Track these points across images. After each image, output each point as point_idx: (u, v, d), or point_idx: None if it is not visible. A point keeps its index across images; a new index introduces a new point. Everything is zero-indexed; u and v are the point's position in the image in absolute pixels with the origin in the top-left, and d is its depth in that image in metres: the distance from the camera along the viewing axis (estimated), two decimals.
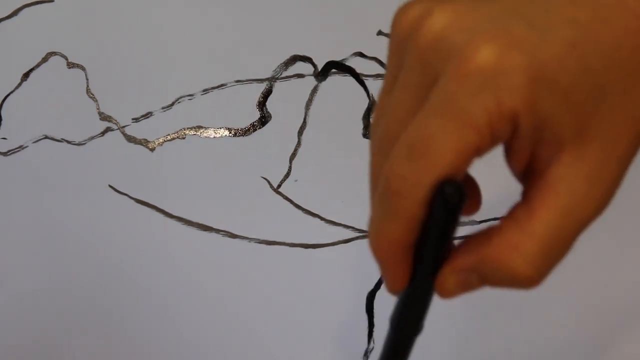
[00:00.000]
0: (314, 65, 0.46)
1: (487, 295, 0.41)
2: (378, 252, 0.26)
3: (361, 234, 0.42)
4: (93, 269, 0.42)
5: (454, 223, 0.24)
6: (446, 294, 0.26)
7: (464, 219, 0.44)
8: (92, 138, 0.45)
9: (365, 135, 0.44)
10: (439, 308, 0.41)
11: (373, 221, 0.25)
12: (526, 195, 0.25)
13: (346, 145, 0.45)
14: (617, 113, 0.24)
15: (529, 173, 0.25)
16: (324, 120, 0.45)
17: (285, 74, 0.47)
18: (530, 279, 0.24)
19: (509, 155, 0.25)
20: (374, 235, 0.25)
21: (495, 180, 0.44)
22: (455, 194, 0.23)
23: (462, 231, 0.43)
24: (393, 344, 0.30)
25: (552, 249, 0.24)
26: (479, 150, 0.23)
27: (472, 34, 0.22)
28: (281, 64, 0.47)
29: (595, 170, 0.25)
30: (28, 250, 0.42)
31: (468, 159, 0.23)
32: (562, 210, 0.24)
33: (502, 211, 0.45)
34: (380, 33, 0.49)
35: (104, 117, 0.46)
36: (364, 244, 0.42)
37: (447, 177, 0.23)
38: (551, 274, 0.25)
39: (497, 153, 0.43)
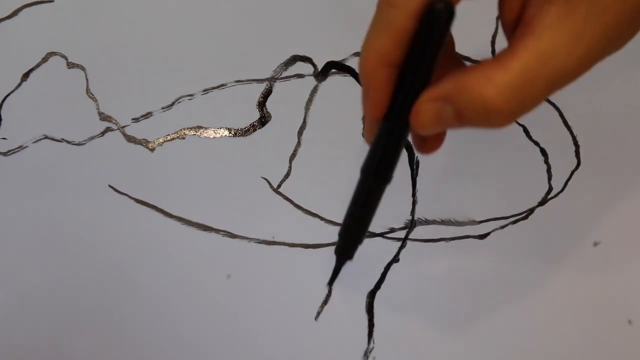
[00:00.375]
0: (314, 65, 0.46)
1: (488, 294, 0.41)
2: (365, 66, 0.27)
3: None
4: (93, 268, 0.42)
5: (438, 42, 0.25)
6: (421, 125, 0.27)
7: (463, 219, 0.44)
8: (92, 138, 0.45)
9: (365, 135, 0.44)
10: (440, 306, 0.41)
11: (367, 35, 0.26)
12: (511, 42, 0.26)
13: (346, 145, 0.45)
14: None
15: (518, 25, 0.26)
16: (324, 120, 0.45)
17: (285, 74, 0.47)
18: (500, 111, 0.25)
19: (501, 2, 0.26)
20: (365, 48, 0.26)
21: (495, 180, 0.44)
22: (444, 10, 0.24)
23: (461, 231, 0.44)
24: (362, 191, 0.30)
25: (525, 87, 0.25)
26: None
27: None
28: (281, 64, 0.47)
29: (580, 27, 0.25)
30: (28, 250, 0.42)
31: None
32: (540, 54, 0.25)
33: (502, 211, 0.45)
34: None
35: (104, 117, 0.46)
36: (364, 244, 0.42)
37: None
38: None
39: (499, 154, 0.43)
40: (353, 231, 0.31)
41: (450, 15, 0.24)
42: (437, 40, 0.25)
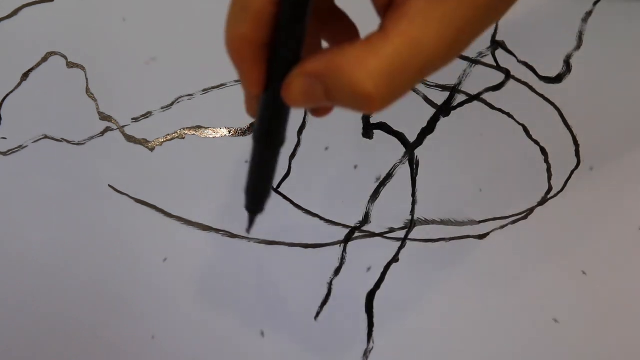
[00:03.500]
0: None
1: (488, 296, 0.41)
2: (230, 49, 0.27)
3: (361, 234, 0.42)
4: (93, 268, 0.42)
5: (301, 21, 0.25)
6: (291, 100, 0.27)
7: (463, 219, 0.44)
8: (92, 138, 0.45)
9: (365, 135, 0.44)
10: (440, 306, 0.41)
11: (227, 21, 0.26)
12: (383, 24, 0.26)
13: (346, 145, 0.45)
14: None
15: (390, 7, 0.26)
16: (324, 120, 0.45)
17: None
18: (369, 97, 0.25)
19: None
20: (227, 32, 0.26)
21: (495, 180, 0.44)
22: None
23: (461, 231, 0.44)
24: (259, 158, 0.31)
25: (396, 74, 0.25)
26: None
27: None
28: None
29: (452, 12, 0.25)
30: (28, 250, 0.42)
31: None
32: (412, 40, 0.25)
33: (502, 211, 0.45)
34: None
35: (103, 117, 0.46)
36: (364, 244, 0.42)
37: None
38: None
39: (499, 154, 0.43)
40: (257, 190, 0.33)
41: None
42: (299, 18, 0.25)
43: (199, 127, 0.45)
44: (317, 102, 0.27)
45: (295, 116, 0.45)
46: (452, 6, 0.25)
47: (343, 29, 0.30)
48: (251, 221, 0.34)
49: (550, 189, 0.43)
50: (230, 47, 0.27)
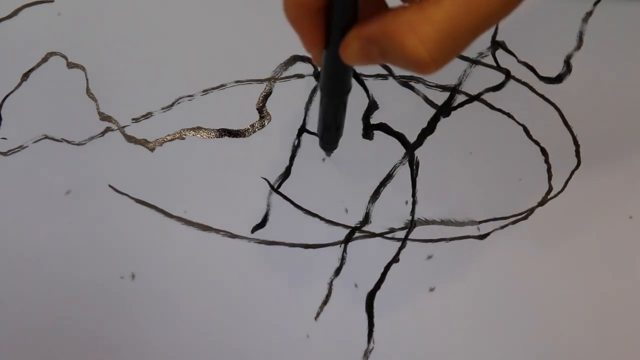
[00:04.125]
0: (314, 66, 0.46)
1: (488, 297, 0.41)
2: (289, 14, 0.28)
3: (361, 234, 0.42)
4: (93, 269, 0.42)
5: None
6: (347, 59, 0.28)
7: (463, 219, 0.44)
8: (92, 138, 0.45)
9: (365, 136, 0.45)
10: (440, 306, 0.41)
11: None
12: None
13: (346, 145, 0.45)
14: None
15: None
16: None
17: (285, 74, 0.47)
18: (422, 62, 0.25)
19: None
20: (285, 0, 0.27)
21: (495, 180, 0.44)
22: None
23: (461, 231, 0.44)
24: (326, 106, 0.34)
25: (449, 39, 0.25)
26: None
27: None
28: (281, 64, 0.47)
29: None
30: (28, 250, 0.42)
31: None
32: (465, 5, 0.25)
33: (502, 211, 0.45)
34: None
35: (104, 117, 0.46)
36: (364, 244, 0.42)
37: None
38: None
39: (499, 154, 0.43)
40: (330, 133, 0.37)
41: None
42: None
43: (199, 128, 0.45)
44: (374, 61, 0.27)
45: (296, 116, 0.46)
46: None
47: None
48: (328, 154, 0.41)
49: (550, 189, 0.43)
50: (288, 13, 0.27)
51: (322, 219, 0.43)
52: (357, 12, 0.27)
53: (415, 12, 0.25)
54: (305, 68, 0.47)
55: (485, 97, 0.46)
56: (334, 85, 0.32)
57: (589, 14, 0.48)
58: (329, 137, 0.38)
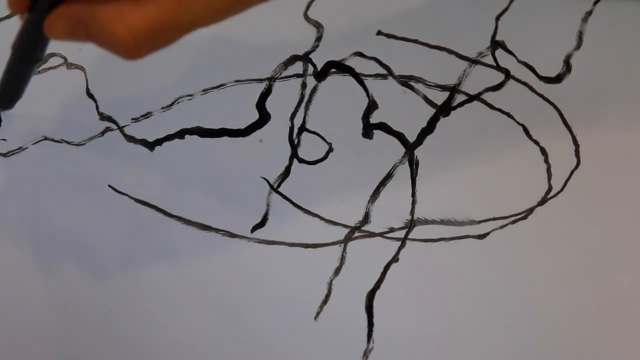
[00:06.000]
0: (314, 65, 0.46)
1: (486, 296, 0.41)
2: None
3: (361, 234, 0.42)
4: (93, 269, 0.42)
5: None
6: (51, 34, 0.28)
7: (463, 219, 0.44)
8: (92, 138, 0.45)
9: (365, 135, 0.45)
10: (440, 306, 0.41)
11: None
12: None
13: (346, 145, 0.45)
14: None
15: None
16: (324, 120, 0.45)
17: (284, 73, 0.47)
18: (126, 49, 0.26)
19: None
20: None
21: (495, 180, 0.44)
22: None
23: (461, 231, 0.43)
24: (13, 67, 0.33)
25: (157, 32, 0.26)
26: None
27: None
28: (281, 64, 0.47)
29: None
30: (28, 250, 0.42)
31: None
32: (180, 3, 0.25)
33: (501, 211, 0.45)
34: (379, 33, 0.49)
35: (103, 117, 0.46)
36: (363, 244, 0.42)
37: None
38: None
39: (499, 154, 0.43)
40: (6, 94, 0.37)
41: None
42: None
43: (199, 127, 0.45)
44: (79, 40, 0.27)
45: (295, 116, 0.46)
46: None
47: None
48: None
49: (550, 189, 0.43)
50: None
51: (321, 218, 0.43)
52: None
53: (128, 1, 0.26)
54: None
55: (484, 96, 0.46)
56: (26, 50, 0.31)
57: (589, 13, 0.48)
58: (5, 97, 0.37)
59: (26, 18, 0.29)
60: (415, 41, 0.48)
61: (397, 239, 0.42)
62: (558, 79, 0.46)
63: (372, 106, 0.45)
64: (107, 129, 0.45)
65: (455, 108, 0.45)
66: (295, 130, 0.45)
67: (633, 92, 0.46)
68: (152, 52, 0.27)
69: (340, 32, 0.48)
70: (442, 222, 0.42)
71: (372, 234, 0.42)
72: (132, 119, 0.46)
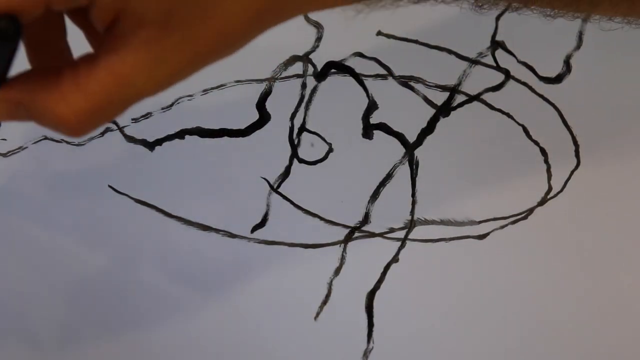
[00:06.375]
0: (314, 66, 0.46)
1: (485, 296, 0.41)
2: None
3: (361, 234, 0.42)
4: (93, 269, 0.42)
5: (6, 55, 0.25)
6: None
7: (463, 219, 0.44)
8: (91, 138, 0.45)
9: (365, 135, 0.45)
10: (440, 306, 0.41)
11: None
12: (96, 53, 0.26)
13: (346, 145, 0.45)
14: (205, 17, 0.25)
15: (108, 34, 0.26)
16: (324, 120, 0.45)
17: (284, 74, 0.47)
18: (72, 129, 0.26)
19: (91, 11, 0.25)
20: None
21: (495, 180, 0.44)
22: (9, 29, 0.24)
23: (461, 231, 0.43)
24: None
25: (100, 110, 0.25)
26: (50, 3, 0.24)
27: None
28: (280, 64, 0.47)
29: (167, 54, 0.25)
30: (27, 250, 0.42)
31: (34, 6, 0.24)
32: (120, 78, 0.25)
33: (501, 211, 0.45)
34: (379, 33, 0.49)
35: None
36: (363, 244, 0.42)
37: (6, 12, 0.24)
38: None
39: (499, 154, 0.43)
40: None
41: (14, 33, 0.24)
42: (5, 52, 0.25)
43: (199, 127, 0.45)
44: (21, 120, 0.27)
45: (295, 116, 0.46)
46: (167, 49, 0.25)
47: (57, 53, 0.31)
48: None
49: (550, 189, 0.43)
50: None
51: (321, 218, 0.43)
52: (6, 74, 0.26)
53: (69, 83, 0.25)
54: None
55: (484, 97, 0.46)
56: None
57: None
58: None
59: None
60: (415, 41, 0.48)
61: (397, 239, 0.42)
62: (558, 79, 0.46)
63: (372, 106, 0.45)
64: (107, 129, 0.45)
65: (455, 108, 0.45)
66: (295, 130, 0.45)
67: (633, 92, 0.46)
68: (97, 128, 0.27)
69: (340, 32, 0.48)
70: (442, 222, 0.42)
71: (372, 234, 0.42)
72: (132, 119, 0.46)
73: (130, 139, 0.45)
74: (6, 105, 0.27)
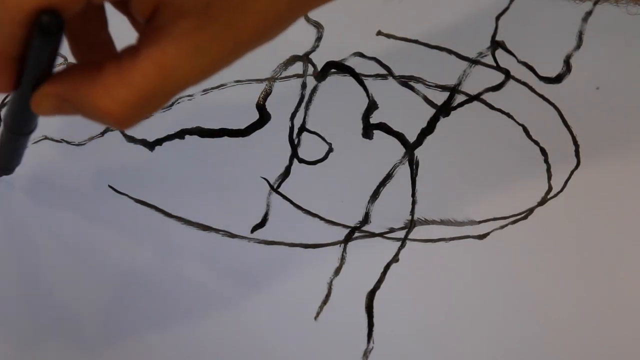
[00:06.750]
0: (314, 65, 0.46)
1: (485, 295, 0.41)
2: None
3: (361, 234, 0.42)
4: (93, 269, 0.42)
5: (50, 50, 0.26)
6: (40, 112, 0.28)
7: (463, 219, 0.44)
8: (92, 138, 0.45)
9: (365, 135, 0.45)
10: (440, 306, 0.41)
11: None
12: (138, 45, 0.26)
13: (346, 145, 0.45)
14: (244, 5, 0.25)
15: (149, 25, 0.26)
16: (324, 120, 0.46)
17: (284, 74, 0.47)
18: (116, 121, 0.26)
19: (130, 3, 0.26)
20: None
21: (495, 180, 0.44)
22: (52, 24, 0.24)
23: (461, 231, 0.44)
24: (5, 140, 0.35)
25: (144, 101, 0.25)
26: None
27: None
28: (280, 64, 0.47)
29: (208, 44, 0.25)
30: (27, 250, 0.42)
31: (75, 1, 0.24)
32: (163, 68, 0.25)
33: (501, 211, 0.45)
34: (379, 33, 0.49)
35: None
36: (364, 244, 0.42)
37: (48, 8, 0.24)
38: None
39: (499, 154, 0.43)
40: (6, 160, 0.39)
41: (58, 28, 0.25)
42: (48, 47, 0.26)
43: (199, 127, 0.45)
44: (67, 114, 0.27)
45: (295, 116, 0.46)
46: (207, 38, 0.25)
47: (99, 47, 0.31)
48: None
49: (550, 189, 0.43)
50: None
51: (321, 218, 0.43)
52: (51, 68, 0.27)
53: (113, 75, 0.25)
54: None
55: (484, 97, 0.46)
56: (17, 125, 0.32)
57: (589, 13, 0.48)
58: (2, 166, 0.40)
59: (13, 96, 0.29)
60: (415, 41, 0.48)
61: (397, 239, 0.42)
62: (558, 79, 0.46)
63: (372, 106, 0.45)
64: (107, 129, 0.45)
65: (455, 108, 0.45)
66: (295, 130, 0.45)
67: (633, 92, 0.46)
68: (144, 119, 0.27)
69: (340, 32, 0.48)
70: (442, 222, 0.42)
71: (372, 234, 0.42)
72: None
73: (130, 139, 0.45)
74: (52, 100, 0.27)
